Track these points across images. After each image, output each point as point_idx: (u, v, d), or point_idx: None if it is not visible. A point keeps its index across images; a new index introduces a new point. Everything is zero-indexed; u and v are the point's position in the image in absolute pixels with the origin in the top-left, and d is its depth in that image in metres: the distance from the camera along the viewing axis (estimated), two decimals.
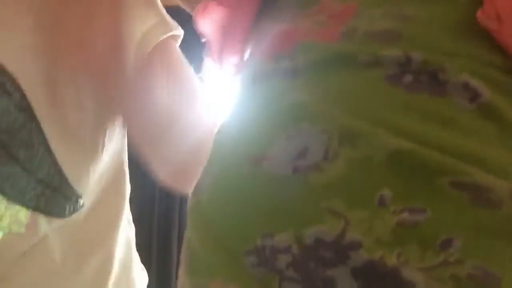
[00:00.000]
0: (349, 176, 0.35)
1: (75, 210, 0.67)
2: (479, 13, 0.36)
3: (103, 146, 0.70)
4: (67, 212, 0.67)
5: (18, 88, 0.62)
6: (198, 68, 0.72)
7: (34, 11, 0.64)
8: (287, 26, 0.44)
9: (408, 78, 0.37)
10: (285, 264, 0.35)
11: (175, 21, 0.71)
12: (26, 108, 0.62)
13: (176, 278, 0.66)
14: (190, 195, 0.45)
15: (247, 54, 0.51)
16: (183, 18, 0.67)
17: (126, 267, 0.75)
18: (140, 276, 0.79)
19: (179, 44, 0.71)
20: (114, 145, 0.72)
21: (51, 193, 0.65)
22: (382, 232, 0.33)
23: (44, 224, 0.65)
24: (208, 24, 0.52)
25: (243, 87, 0.45)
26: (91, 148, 0.68)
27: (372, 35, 0.39)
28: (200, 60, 0.59)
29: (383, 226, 0.33)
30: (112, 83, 0.68)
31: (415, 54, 0.37)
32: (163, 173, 0.72)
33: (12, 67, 0.62)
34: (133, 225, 0.78)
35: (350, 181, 0.35)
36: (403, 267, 0.33)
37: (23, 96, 0.62)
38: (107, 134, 0.70)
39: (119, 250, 0.73)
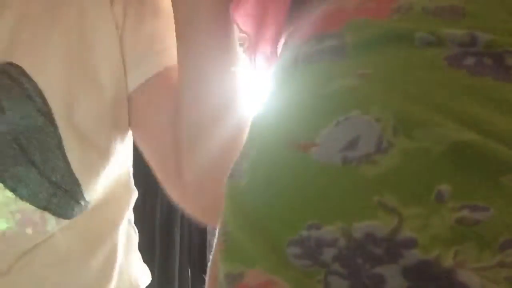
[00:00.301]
0: (404, 169, 0.33)
1: (82, 210, 0.71)
2: None
3: (115, 152, 0.73)
4: (75, 213, 0.70)
5: (40, 94, 0.66)
6: None
7: (60, 27, 0.69)
8: (331, 7, 0.41)
9: (470, 60, 0.34)
10: (331, 258, 0.33)
11: None
12: (46, 113, 0.67)
13: (179, 277, 0.68)
14: (226, 179, 0.42)
15: (283, 44, 0.49)
16: None
17: (127, 260, 0.78)
18: (142, 273, 0.81)
19: None
20: (124, 150, 0.76)
21: (63, 195, 0.68)
22: (439, 230, 0.31)
23: (53, 223, 0.69)
24: (243, 17, 0.51)
25: (283, 70, 0.43)
26: (104, 154, 0.72)
27: (432, 11, 0.36)
28: None
29: (440, 223, 0.31)
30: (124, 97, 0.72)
31: (481, 34, 0.34)
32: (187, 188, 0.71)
33: (35, 74, 0.66)
34: (134, 226, 0.81)
35: (406, 174, 0.33)
36: (459, 268, 0.31)
37: (45, 101, 0.66)
38: (120, 141, 0.74)
39: (121, 243, 0.77)
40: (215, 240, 0.42)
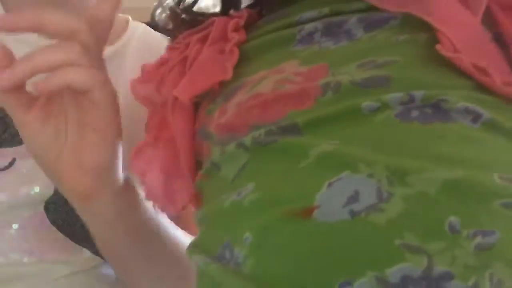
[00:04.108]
0: (412, 211, 0.34)
1: None
2: (438, 47, 0.40)
3: None
4: None
5: None
6: None
7: None
8: (250, 96, 0.43)
9: (415, 113, 0.38)
10: None
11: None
12: None
13: None
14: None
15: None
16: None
17: None
18: None
19: None
20: None
21: None
22: (467, 258, 0.33)
23: None
24: (147, 172, 0.51)
25: (236, 156, 0.43)
26: None
27: (359, 83, 0.40)
28: None
29: (465, 252, 0.33)
30: None
31: (415, 92, 0.38)
32: None
33: None
34: None
35: (415, 215, 0.34)
36: None
37: None
38: None
39: None
40: None
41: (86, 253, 0.68)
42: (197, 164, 0.50)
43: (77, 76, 0.45)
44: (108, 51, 0.70)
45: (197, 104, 0.51)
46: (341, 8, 0.45)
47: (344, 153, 0.37)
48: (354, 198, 0.35)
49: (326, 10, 0.46)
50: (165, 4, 0.58)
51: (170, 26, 0.58)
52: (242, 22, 0.51)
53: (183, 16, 0.57)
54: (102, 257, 0.67)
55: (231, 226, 0.41)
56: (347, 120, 0.39)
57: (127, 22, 0.79)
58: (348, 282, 0.33)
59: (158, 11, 0.59)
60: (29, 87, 0.47)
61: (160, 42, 0.73)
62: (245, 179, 0.41)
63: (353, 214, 0.35)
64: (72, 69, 0.45)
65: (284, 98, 0.42)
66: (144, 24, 0.79)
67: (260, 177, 0.40)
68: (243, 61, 0.48)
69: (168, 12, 0.58)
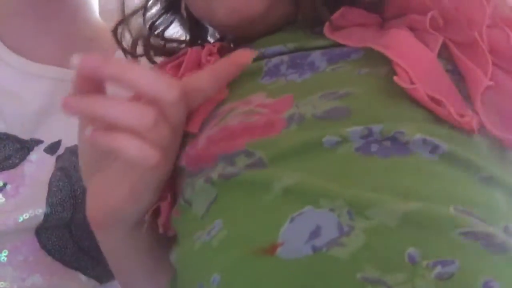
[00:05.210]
0: (372, 244, 0.35)
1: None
2: (396, 78, 0.41)
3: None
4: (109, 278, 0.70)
5: None
6: None
7: None
8: (215, 131, 0.44)
9: (374, 147, 0.39)
10: None
11: None
12: None
13: None
14: None
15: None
16: None
17: None
18: None
19: None
20: None
21: (91, 260, 0.68)
22: None
23: None
24: None
25: (205, 191, 0.43)
26: None
27: (321, 115, 0.41)
28: None
29: (425, 283, 0.34)
30: None
31: (374, 126, 0.39)
32: None
33: None
34: None
35: (375, 248, 0.35)
36: None
37: None
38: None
39: None
40: None
41: (81, 277, 0.68)
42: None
43: (130, 150, 0.41)
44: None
45: None
46: (306, 44, 0.47)
47: (306, 187, 0.38)
48: (316, 233, 0.36)
49: (291, 46, 0.47)
50: (129, 25, 0.59)
51: (133, 48, 0.59)
52: (215, 49, 0.52)
53: (152, 41, 0.58)
54: (97, 280, 0.68)
55: (201, 268, 0.41)
56: (309, 153, 0.40)
57: None
58: None
59: (120, 30, 0.59)
60: None
61: None
62: (213, 216, 0.42)
63: (315, 249, 0.36)
64: (129, 139, 0.41)
65: (250, 130, 0.42)
66: None
67: (227, 213, 0.41)
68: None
69: (132, 33, 0.59)
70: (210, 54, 0.51)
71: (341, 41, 0.45)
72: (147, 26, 0.59)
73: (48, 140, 0.67)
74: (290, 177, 0.39)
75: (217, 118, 0.45)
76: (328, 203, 0.37)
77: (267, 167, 0.40)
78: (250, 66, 0.47)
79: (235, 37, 0.56)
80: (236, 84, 0.47)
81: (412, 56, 0.42)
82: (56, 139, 0.67)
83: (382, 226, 0.36)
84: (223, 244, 0.40)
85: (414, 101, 0.41)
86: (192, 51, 0.52)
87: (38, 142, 0.67)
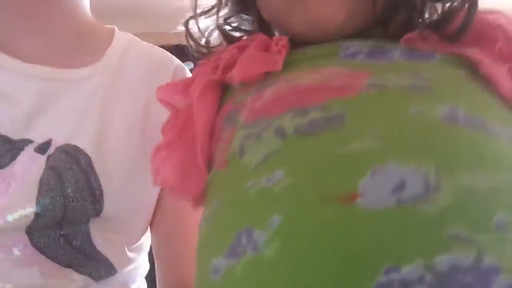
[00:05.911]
0: (461, 204, 0.35)
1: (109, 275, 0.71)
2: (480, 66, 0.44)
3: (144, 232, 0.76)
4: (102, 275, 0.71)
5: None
6: None
7: (98, 100, 0.71)
8: (288, 86, 0.45)
9: (461, 120, 0.40)
10: None
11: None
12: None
13: None
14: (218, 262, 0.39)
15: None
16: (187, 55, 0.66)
17: None
18: None
19: None
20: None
21: (84, 258, 0.68)
22: None
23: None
24: (166, 169, 0.52)
25: (266, 142, 0.42)
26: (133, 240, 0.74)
27: (405, 87, 0.42)
28: None
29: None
30: None
31: (457, 105, 0.41)
32: None
33: (84, 146, 0.67)
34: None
35: (464, 208, 0.35)
36: None
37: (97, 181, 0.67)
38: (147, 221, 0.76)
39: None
40: None
41: (75, 274, 0.67)
42: (208, 165, 0.50)
43: None
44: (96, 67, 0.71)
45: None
46: (384, 46, 0.47)
47: (389, 143, 0.38)
48: (400, 187, 0.35)
49: (369, 43, 0.48)
50: (199, 18, 0.60)
51: (203, 40, 0.60)
52: (283, 42, 0.52)
53: (228, 29, 0.59)
54: (91, 277, 0.68)
55: (252, 212, 0.39)
56: (392, 116, 0.40)
57: (112, 33, 0.78)
58: (395, 267, 0.33)
59: (191, 22, 0.60)
60: None
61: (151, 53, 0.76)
62: (272, 166, 0.40)
63: (399, 202, 0.35)
64: None
65: (325, 89, 0.43)
66: (130, 34, 0.79)
67: (293, 163, 0.40)
68: (286, 68, 0.49)
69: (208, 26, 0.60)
70: (277, 44, 0.51)
71: (421, 47, 0.46)
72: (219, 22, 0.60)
73: (38, 140, 0.66)
74: (371, 134, 0.38)
75: (284, 81, 0.45)
76: (414, 160, 0.36)
77: (345, 124, 0.40)
78: (326, 49, 0.48)
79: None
80: (310, 61, 0.48)
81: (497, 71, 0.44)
82: (47, 139, 0.67)
83: (472, 187, 0.35)
84: (288, 190, 0.38)
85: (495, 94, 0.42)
86: (262, 36, 0.53)
87: (29, 142, 0.66)
